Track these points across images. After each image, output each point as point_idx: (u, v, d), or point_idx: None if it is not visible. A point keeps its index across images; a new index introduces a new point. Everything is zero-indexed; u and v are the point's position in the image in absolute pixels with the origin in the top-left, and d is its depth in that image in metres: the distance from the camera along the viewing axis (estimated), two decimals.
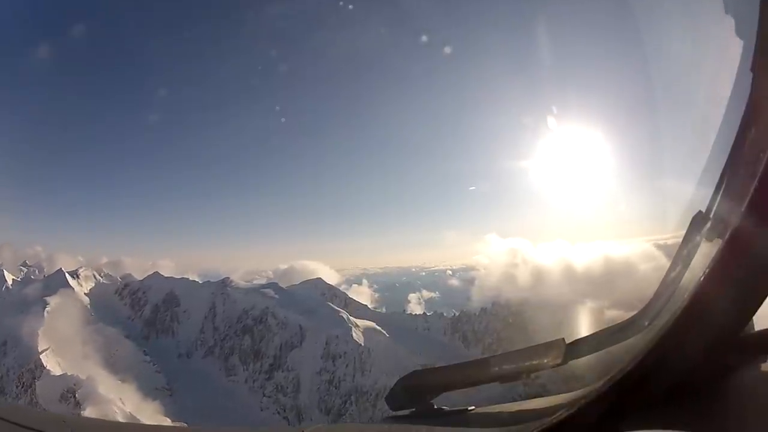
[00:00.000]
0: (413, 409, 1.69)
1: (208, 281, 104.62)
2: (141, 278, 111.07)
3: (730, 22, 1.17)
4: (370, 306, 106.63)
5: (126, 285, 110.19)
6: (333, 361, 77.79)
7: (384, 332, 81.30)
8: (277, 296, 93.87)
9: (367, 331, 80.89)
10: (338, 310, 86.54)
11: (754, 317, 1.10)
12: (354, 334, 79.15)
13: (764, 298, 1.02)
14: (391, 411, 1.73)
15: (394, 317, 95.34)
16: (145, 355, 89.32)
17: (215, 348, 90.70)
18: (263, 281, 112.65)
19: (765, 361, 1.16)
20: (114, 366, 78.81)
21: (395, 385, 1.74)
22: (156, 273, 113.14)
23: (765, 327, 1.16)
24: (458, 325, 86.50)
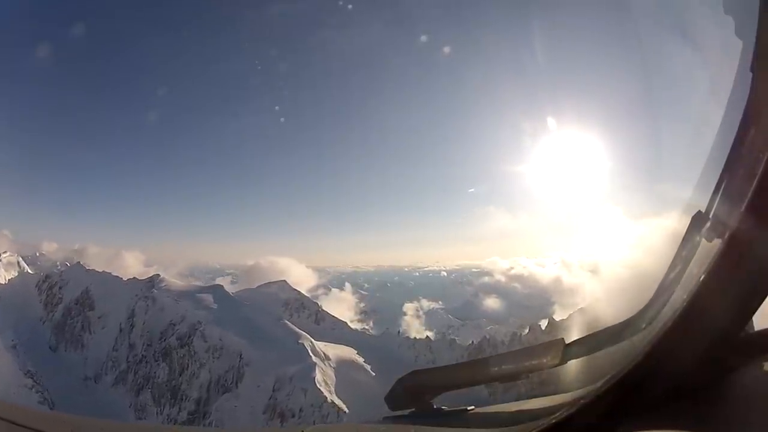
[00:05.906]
0: (413, 409, 1.70)
1: (134, 278, 76.81)
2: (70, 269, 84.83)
3: (730, 22, 1.18)
4: (351, 323, 76.79)
5: (47, 277, 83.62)
6: (281, 422, 48.03)
7: (367, 367, 53.21)
8: (215, 306, 65.42)
9: (341, 367, 52.69)
10: (299, 333, 57.73)
11: (754, 317, 1.10)
12: (318, 376, 49.74)
13: (764, 298, 1.02)
14: (390, 411, 1.72)
15: (385, 342, 66.75)
16: (29, 377, 62.76)
17: (128, 374, 64.07)
18: (224, 281, 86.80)
19: (765, 361, 1.16)
20: None
21: (395, 385, 1.72)
22: (77, 264, 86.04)
23: (765, 327, 1.17)
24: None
